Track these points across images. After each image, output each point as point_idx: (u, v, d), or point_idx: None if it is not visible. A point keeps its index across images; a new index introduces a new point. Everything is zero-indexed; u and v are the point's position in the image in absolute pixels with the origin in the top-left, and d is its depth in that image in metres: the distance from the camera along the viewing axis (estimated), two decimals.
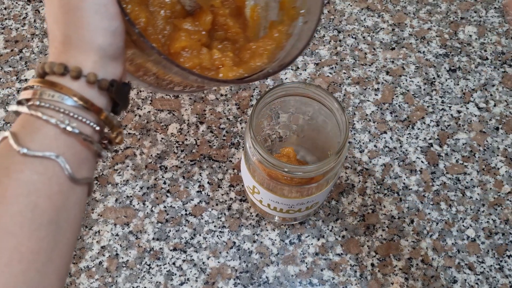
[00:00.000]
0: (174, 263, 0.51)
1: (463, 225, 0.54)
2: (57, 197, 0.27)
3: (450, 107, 0.61)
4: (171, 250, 0.52)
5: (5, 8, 0.67)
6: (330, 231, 0.53)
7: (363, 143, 0.58)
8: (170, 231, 0.53)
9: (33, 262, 0.26)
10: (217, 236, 0.53)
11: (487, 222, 0.54)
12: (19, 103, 0.28)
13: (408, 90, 0.62)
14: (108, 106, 0.30)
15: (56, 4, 0.28)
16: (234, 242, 0.52)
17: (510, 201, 0.55)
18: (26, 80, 0.62)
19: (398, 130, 0.59)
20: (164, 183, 0.55)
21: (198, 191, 0.55)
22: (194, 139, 0.58)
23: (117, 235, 0.52)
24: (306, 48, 0.36)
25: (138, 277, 0.50)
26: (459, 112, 0.60)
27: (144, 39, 0.27)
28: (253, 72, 0.34)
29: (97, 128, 0.29)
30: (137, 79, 0.35)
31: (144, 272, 0.51)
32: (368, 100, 0.61)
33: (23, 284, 0.25)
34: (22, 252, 0.25)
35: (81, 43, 0.28)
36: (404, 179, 0.56)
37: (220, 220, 0.53)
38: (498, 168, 0.57)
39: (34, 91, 0.28)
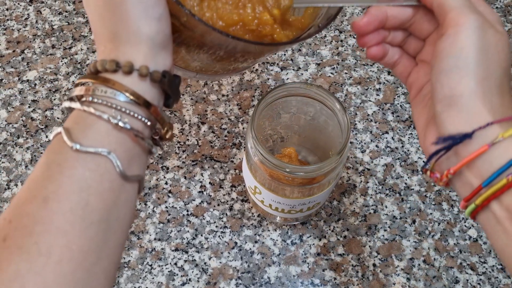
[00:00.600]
0: (175, 264, 0.51)
1: (465, 225, 0.54)
2: (108, 195, 0.27)
3: None
4: (172, 251, 0.52)
5: (7, 9, 0.67)
6: (332, 231, 0.53)
7: (365, 143, 0.58)
8: (171, 231, 0.53)
9: (83, 261, 0.26)
10: (219, 236, 0.53)
11: None
12: (71, 99, 0.28)
13: None
14: (160, 99, 0.30)
15: (100, 3, 0.28)
16: (236, 243, 0.52)
17: None
18: (28, 81, 0.62)
19: (399, 130, 0.59)
20: (166, 183, 0.55)
21: (199, 192, 0.55)
22: (196, 140, 0.58)
23: None
24: None
25: (140, 278, 0.51)
26: None
27: (195, 16, 0.27)
28: (302, 32, 0.34)
29: (148, 123, 0.28)
30: (183, 70, 0.35)
31: (146, 272, 0.51)
32: (370, 100, 0.61)
33: (72, 283, 0.25)
34: (72, 250, 0.25)
35: (129, 37, 0.28)
36: (406, 179, 0.56)
37: (222, 221, 0.53)
38: None
39: (87, 87, 0.28)
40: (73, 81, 0.61)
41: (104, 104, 0.27)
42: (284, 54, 0.64)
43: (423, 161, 0.57)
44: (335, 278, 0.51)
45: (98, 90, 0.27)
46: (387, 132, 0.59)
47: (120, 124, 0.27)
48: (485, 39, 0.29)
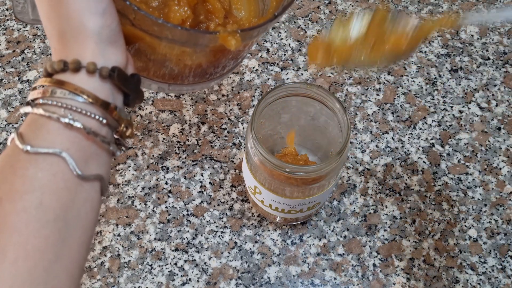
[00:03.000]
0: (176, 264, 0.51)
1: (465, 225, 0.54)
2: (64, 194, 0.27)
3: (452, 107, 0.61)
4: (173, 251, 0.52)
5: (7, 9, 0.67)
6: (332, 231, 0.53)
7: (365, 143, 0.58)
8: (172, 231, 0.53)
9: (40, 260, 0.25)
10: (219, 236, 0.53)
11: (489, 222, 0.54)
12: (28, 104, 0.28)
13: (409, 90, 0.62)
14: (117, 97, 0.29)
15: (45, 3, 0.28)
16: (236, 243, 0.52)
17: None
18: (28, 80, 0.62)
19: (399, 130, 0.59)
20: (166, 183, 0.55)
21: (199, 192, 0.55)
22: (196, 140, 0.58)
23: (119, 235, 0.53)
24: None
25: (140, 278, 0.51)
26: (461, 112, 0.60)
27: (140, 10, 0.27)
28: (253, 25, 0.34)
29: (104, 121, 0.28)
30: (154, 81, 0.34)
31: (146, 272, 0.51)
32: (370, 100, 0.61)
33: (29, 283, 0.25)
34: (27, 249, 0.25)
35: (74, 34, 0.28)
36: (406, 179, 0.56)
37: (222, 221, 0.53)
38: (500, 168, 0.57)
39: (39, 90, 0.28)
40: None
41: (54, 105, 0.27)
42: (284, 54, 0.64)
43: (423, 161, 0.57)
44: (335, 278, 0.51)
45: (48, 92, 0.27)
46: (387, 132, 0.59)
47: (70, 122, 0.27)
48: None
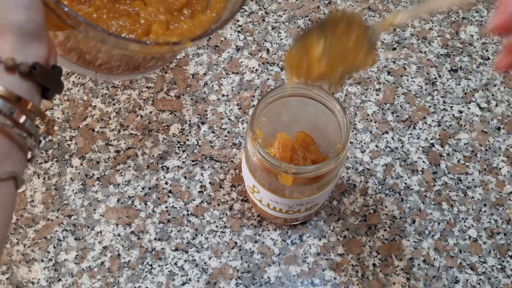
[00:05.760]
0: (176, 263, 0.51)
1: (465, 225, 0.54)
2: None
3: (451, 107, 0.61)
4: (173, 250, 0.52)
5: None
6: (332, 231, 0.53)
7: (365, 143, 0.58)
8: (172, 231, 0.53)
9: None
10: (219, 236, 0.53)
11: (489, 222, 0.54)
12: None
13: (409, 90, 0.62)
14: (35, 92, 0.28)
15: None
16: (236, 242, 0.52)
17: None
18: None
19: (399, 130, 0.59)
20: (166, 183, 0.55)
21: (199, 192, 0.55)
22: (196, 140, 0.58)
23: (119, 235, 0.53)
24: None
25: (140, 277, 0.51)
26: (460, 112, 0.60)
27: (61, 5, 0.26)
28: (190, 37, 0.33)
29: (21, 119, 0.27)
30: (81, 67, 0.34)
31: (146, 272, 0.51)
32: (370, 100, 0.61)
33: None
34: None
35: None
36: (406, 179, 0.56)
37: (222, 220, 0.54)
38: (500, 168, 0.57)
39: None
40: (73, 81, 0.61)
41: None
42: (284, 54, 0.64)
43: (423, 161, 0.57)
44: (335, 278, 0.51)
45: None
46: (387, 132, 0.59)
47: None
48: None
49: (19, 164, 0.28)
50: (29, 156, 0.29)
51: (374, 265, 0.52)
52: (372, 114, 0.60)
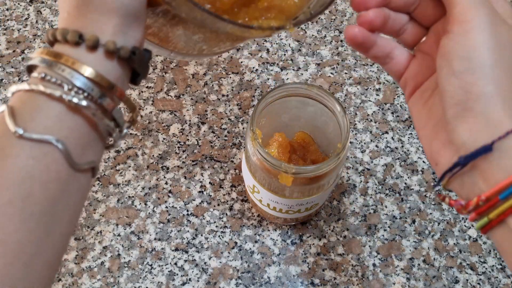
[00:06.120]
0: (176, 263, 0.51)
1: (464, 225, 0.54)
2: (54, 186, 0.24)
3: None
4: (173, 250, 0.52)
5: (7, 9, 0.67)
6: (332, 231, 0.53)
7: (365, 143, 0.58)
8: (172, 231, 0.53)
9: (20, 254, 0.23)
10: (219, 236, 0.53)
11: None
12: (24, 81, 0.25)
13: None
14: (126, 77, 0.27)
15: None
16: (236, 242, 0.52)
17: None
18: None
19: (399, 130, 0.59)
20: (166, 183, 0.55)
21: (199, 192, 0.55)
22: (196, 140, 0.58)
23: (119, 235, 0.53)
24: None
25: (140, 277, 0.51)
26: None
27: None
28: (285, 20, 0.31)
29: (110, 106, 0.25)
30: (158, 46, 0.32)
31: (146, 272, 0.51)
32: (370, 100, 0.61)
33: (7, 278, 0.23)
34: (8, 244, 0.23)
35: (101, 3, 0.24)
36: (406, 179, 0.56)
37: (222, 220, 0.54)
38: None
39: (40, 64, 0.25)
40: None
41: (58, 84, 0.24)
42: (284, 54, 0.64)
43: (423, 161, 0.57)
44: (335, 278, 0.51)
45: (52, 69, 0.24)
46: (387, 132, 0.59)
47: (75, 100, 0.24)
48: (499, 37, 0.26)
49: (99, 153, 0.27)
50: (108, 143, 0.28)
51: (374, 265, 0.52)
52: (372, 114, 0.60)
